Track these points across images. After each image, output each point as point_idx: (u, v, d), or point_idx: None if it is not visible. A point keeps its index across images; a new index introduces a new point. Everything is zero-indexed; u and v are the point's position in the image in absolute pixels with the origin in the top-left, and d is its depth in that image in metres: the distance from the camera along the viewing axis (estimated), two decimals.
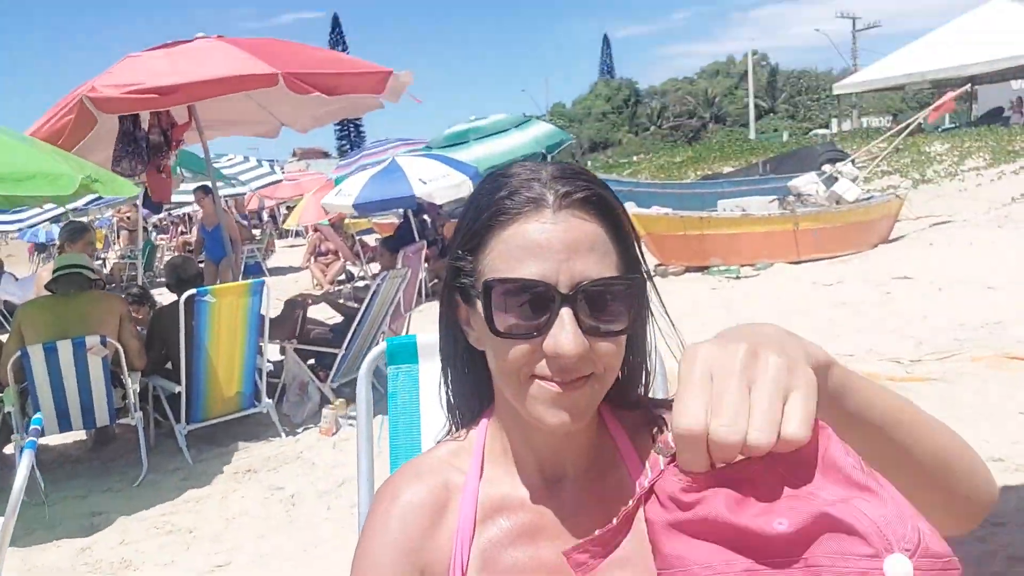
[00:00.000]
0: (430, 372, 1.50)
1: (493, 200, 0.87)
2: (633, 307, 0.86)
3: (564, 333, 0.81)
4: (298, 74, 4.69)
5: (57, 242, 10.36)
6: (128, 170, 5.24)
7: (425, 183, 9.00)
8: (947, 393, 4.61)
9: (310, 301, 6.17)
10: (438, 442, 1.06)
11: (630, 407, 1.01)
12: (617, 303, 0.84)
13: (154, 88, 4.56)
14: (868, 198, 11.45)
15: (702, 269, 10.04)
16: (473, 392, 1.04)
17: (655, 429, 0.97)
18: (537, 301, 0.82)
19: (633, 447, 0.98)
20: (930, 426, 0.78)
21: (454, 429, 1.05)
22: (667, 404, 1.00)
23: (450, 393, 1.05)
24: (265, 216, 22.44)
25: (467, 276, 0.89)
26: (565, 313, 0.82)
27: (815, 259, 10.07)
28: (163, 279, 6.25)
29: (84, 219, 10.22)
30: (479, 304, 0.86)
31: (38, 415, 3.43)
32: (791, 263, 9.97)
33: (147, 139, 5.33)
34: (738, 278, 9.61)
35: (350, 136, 74.72)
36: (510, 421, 0.95)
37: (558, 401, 0.84)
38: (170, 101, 4.73)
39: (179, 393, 4.77)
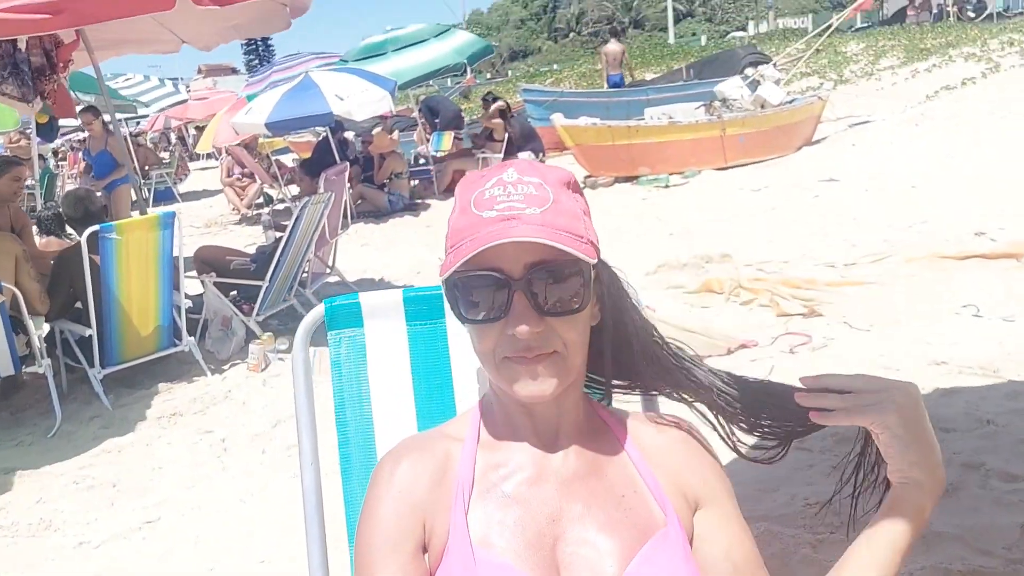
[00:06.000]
0: (378, 334, 1.30)
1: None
2: (587, 285, 0.95)
3: (516, 315, 0.92)
4: None
5: None
6: (18, 95, 4.69)
7: (343, 99, 8.47)
8: (883, 296, 4.63)
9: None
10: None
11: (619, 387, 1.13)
12: (570, 282, 0.93)
13: (33, 6, 4.01)
14: (791, 101, 11.43)
15: (631, 179, 9.89)
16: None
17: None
18: (495, 288, 0.93)
19: (617, 418, 1.08)
20: None
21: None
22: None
23: None
24: (173, 138, 21.31)
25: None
26: (517, 297, 0.92)
27: (742, 164, 10.04)
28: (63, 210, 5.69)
29: None
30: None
31: None
32: (718, 169, 9.92)
33: (28, 61, 4.77)
34: (667, 187, 9.52)
35: (258, 51, 71.09)
36: (504, 394, 1.02)
37: (525, 374, 0.94)
38: (54, 24, 4.18)
39: (90, 336, 4.43)
